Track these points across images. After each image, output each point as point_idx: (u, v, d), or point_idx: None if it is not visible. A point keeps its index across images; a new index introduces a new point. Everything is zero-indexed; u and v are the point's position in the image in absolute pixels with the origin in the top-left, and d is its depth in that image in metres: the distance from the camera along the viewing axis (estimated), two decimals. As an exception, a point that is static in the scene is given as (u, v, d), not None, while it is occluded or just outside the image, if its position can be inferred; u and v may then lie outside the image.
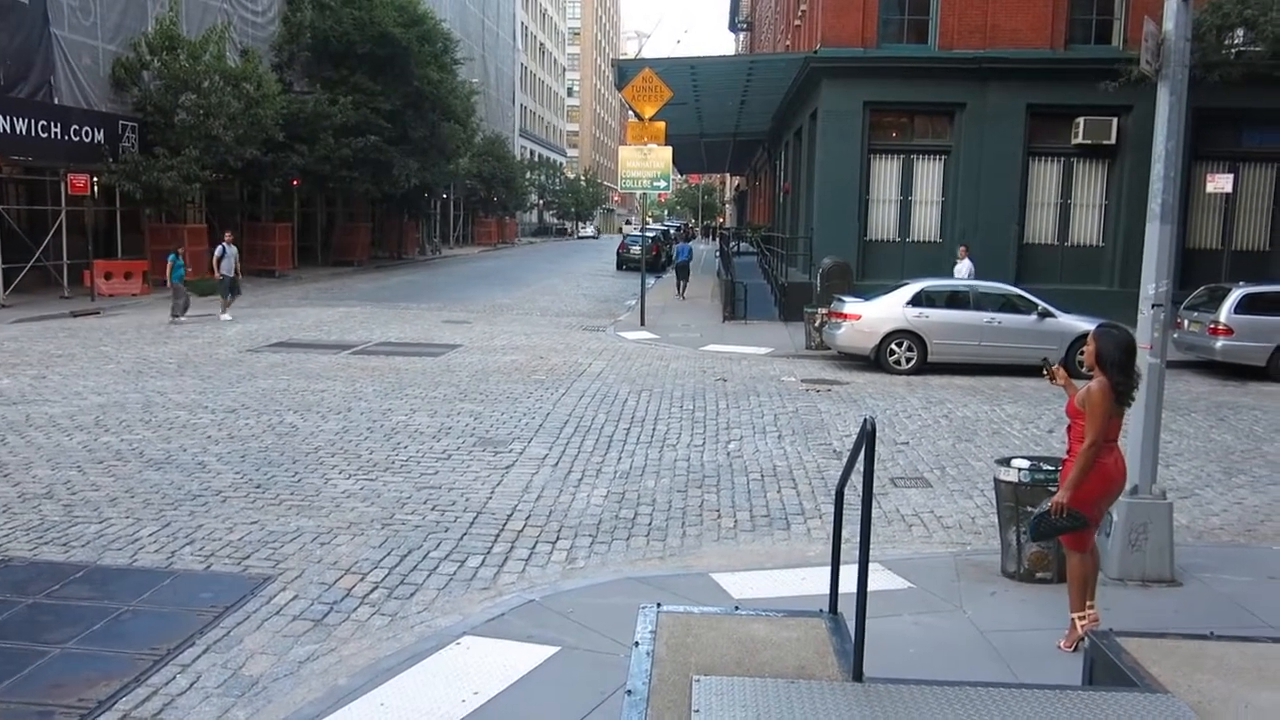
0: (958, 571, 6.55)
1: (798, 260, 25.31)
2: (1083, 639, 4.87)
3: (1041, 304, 15.60)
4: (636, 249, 37.30)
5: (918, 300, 15.67)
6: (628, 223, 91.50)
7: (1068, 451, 5.43)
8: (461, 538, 7.15)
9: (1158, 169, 6.45)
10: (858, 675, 3.73)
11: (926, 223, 22.57)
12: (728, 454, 9.88)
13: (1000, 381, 14.87)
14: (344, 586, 6.18)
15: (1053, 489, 5.71)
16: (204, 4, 29.76)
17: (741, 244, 44.21)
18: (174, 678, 4.94)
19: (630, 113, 22.14)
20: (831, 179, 22.08)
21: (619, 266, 42.50)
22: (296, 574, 6.34)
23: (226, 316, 20.53)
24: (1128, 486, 5.88)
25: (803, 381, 14.49)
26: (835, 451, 10.05)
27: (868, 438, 3.78)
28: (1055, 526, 5.15)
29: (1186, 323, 16.36)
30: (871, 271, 21.60)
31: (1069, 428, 5.40)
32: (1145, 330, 6.47)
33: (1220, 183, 18.94)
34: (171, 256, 20.37)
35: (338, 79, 34.39)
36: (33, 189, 26.37)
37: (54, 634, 5.35)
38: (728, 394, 13.22)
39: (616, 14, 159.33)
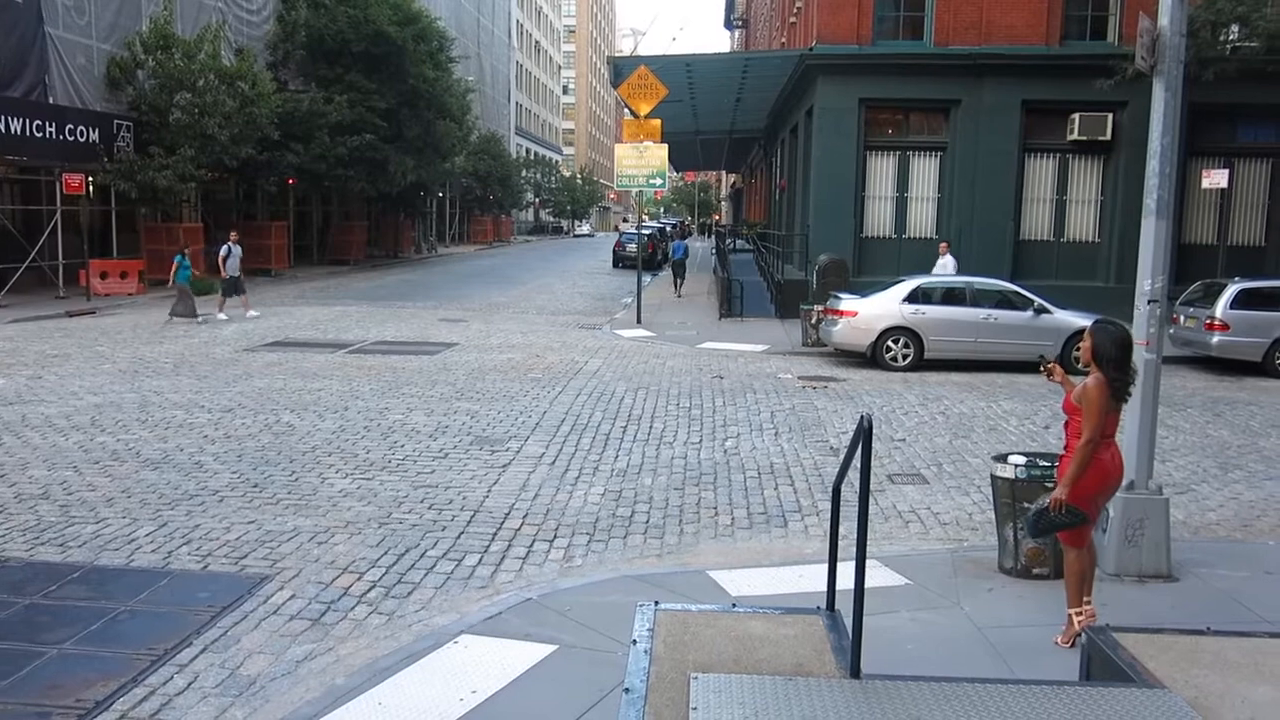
0: (955, 568, 6.56)
1: (794, 257, 25.32)
2: (1080, 634, 4.88)
3: (1038, 300, 15.61)
4: (632, 247, 37.29)
5: (914, 297, 15.67)
6: (624, 220, 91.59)
7: (1065, 447, 5.43)
8: (459, 536, 7.14)
9: (1153, 165, 6.46)
10: (855, 672, 3.73)
11: (922, 219, 22.59)
12: (725, 451, 9.89)
13: (997, 378, 14.88)
14: (341, 586, 6.18)
15: (1049, 485, 5.72)
16: (198, 3, 29.70)
17: (737, 241, 44.22)
18: (171, 678, 4.94)
19: (626, 110, 22.14)
20: (827, 176, 22.09)
21: (615, 264, 42.50)
22: (294, 573, 6.34)
23: (222, 315, 20.51)
24: (1124, 482, 5.89)
25: (799, 378, 14.49)
26: (832, 448, 10.05)
27: (864, 435, 3.78)
28: (1054, 523, 5.16)
29: (1182, 318, 16.39)
30: (868, 268, 21.62)
31: (1066, 424, 5.40)
32: (1141, 326, 6.48)
33: (1216, 178, 18.96)
34: (178, 258, 20.33)
35: (333, 77, 34.34)
36: (28, 189, 26.32)
37: (51, 634, 5.34)
38: (724, 391, 13.22)
39: (612, 11, 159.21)
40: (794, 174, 28.31)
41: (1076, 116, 21.17)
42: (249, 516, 7.44)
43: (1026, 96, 21.44)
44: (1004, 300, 15.81)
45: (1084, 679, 4.22)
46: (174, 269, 20.17)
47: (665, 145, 21.54)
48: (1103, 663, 4.02)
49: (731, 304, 22.70)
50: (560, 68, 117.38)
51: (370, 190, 37.20)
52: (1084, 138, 21.28)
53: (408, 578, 6.36)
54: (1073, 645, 5.15)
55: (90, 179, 24.75)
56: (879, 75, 21.70)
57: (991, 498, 6.75)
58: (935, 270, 18.61)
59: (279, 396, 12.19)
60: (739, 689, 3.56)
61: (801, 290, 20.89)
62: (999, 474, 6.41)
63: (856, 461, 3.92)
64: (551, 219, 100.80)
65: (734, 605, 4.88)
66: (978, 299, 15.78)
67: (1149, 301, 6.46)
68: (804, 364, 16.10)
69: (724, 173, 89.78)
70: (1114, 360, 5.11)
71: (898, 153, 22.56)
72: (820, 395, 13.14)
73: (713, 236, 58.57)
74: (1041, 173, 22.28)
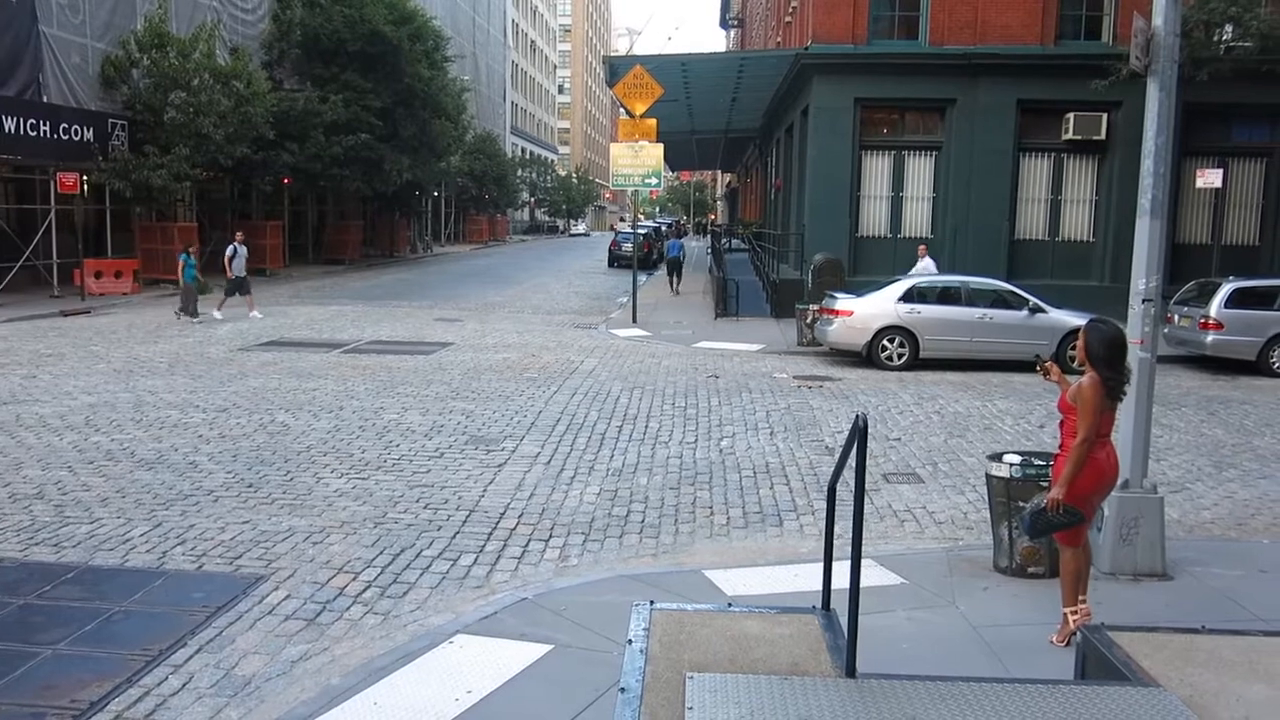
0: (950, 567, 6.56)
1: (789, 257, 25.33)
2: (1075, 633, 4.89)
3: (1033, 299, 15.63)
4: (628, 246, 37.27)
5: (909, 296, 15.69)
6: (621, 220, 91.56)
7: (1060, 446, 5.44)
8: (454, 536, 7.14)
9: (1147, 164, 6.47)
10: (851, 671, 3.73)
11: (918, 219, 22.61)
12: (720, 451, 9.89)
13: (992, 377, 14.90)
14: (337, 586, 6.17)
15: (1044, 484, 5.73)
16: (193, 2, 29.61)
17: (733, 241, 44.21)
18: (166, 678, 4.93)
19: (621, 110, 22.12)
20: (823, 175, 22.11)
21: (611, 264, 42.49)
22: (289, 573, 6.33)
23: (218, 314, 20.48)
24: (1119, 481, 5.90)
25: (795, 378, 14.50)
26: (827, 448, 10.06)
27: (859, 434, 3.78)
28: (1052, 523, 5.16)
29: (1177, 318, 16.42)
30: (863, 267, 21.63)
31: (1061, 423, 5.41)
32: (1136, 325, 6.49)
33: (1210, 178, 19.00)
34: (183, 256, 20.27)
35: (328, 76, 34.27)
36: (22, 188, 26.25)
37: (45, 635, 5.33)
38: (720, 391, 13.22)
39: (607, 11, 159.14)
40: (789, 173, 28.32)
41: (1071, 116, 21.21)
42: (244, 516, 7.43)
43: (1021, 96, 21.48)
44: (999, 300, 15.83)
45: (1079, 678, 4.23)
46: (181, 267, 20.11)
47: (661, 145, 21.53)
48: (1098, 661, 4.03)
49: (727, 303, 22.70)
50: (556, 67, 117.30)
51: (365, 190, 37.14)
52: (1079, 137, 21.33)
53: (403, 578, 6.35)
54: (1068, 644, 5.16)
55: (85, 178, 24.67)
56: (874, 75, 21.72)
57: (987, 497, 6.76)
58: (914, 272, 18.64)
59: (274, 396, 12.17)
60: (734, 688, 3.56)
61: (797, 290, 20.90)
62: (994, 473, 6.42)
63: (851, 461, 3.92)
64: (547, 218, 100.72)
65: (729, 605, 4.88)
66: (973, 298, 15.79)
67: (1143, 301, 6.47)
68: (799, 363, 16.11)
69: (719, 172, 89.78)
70: (1105, 359, 5.12)
71: (893, 152, 22.59)
72: (816, 394, 13.15)
73: (708, 236, 58.61)
74: (1036, 172, 22.32)
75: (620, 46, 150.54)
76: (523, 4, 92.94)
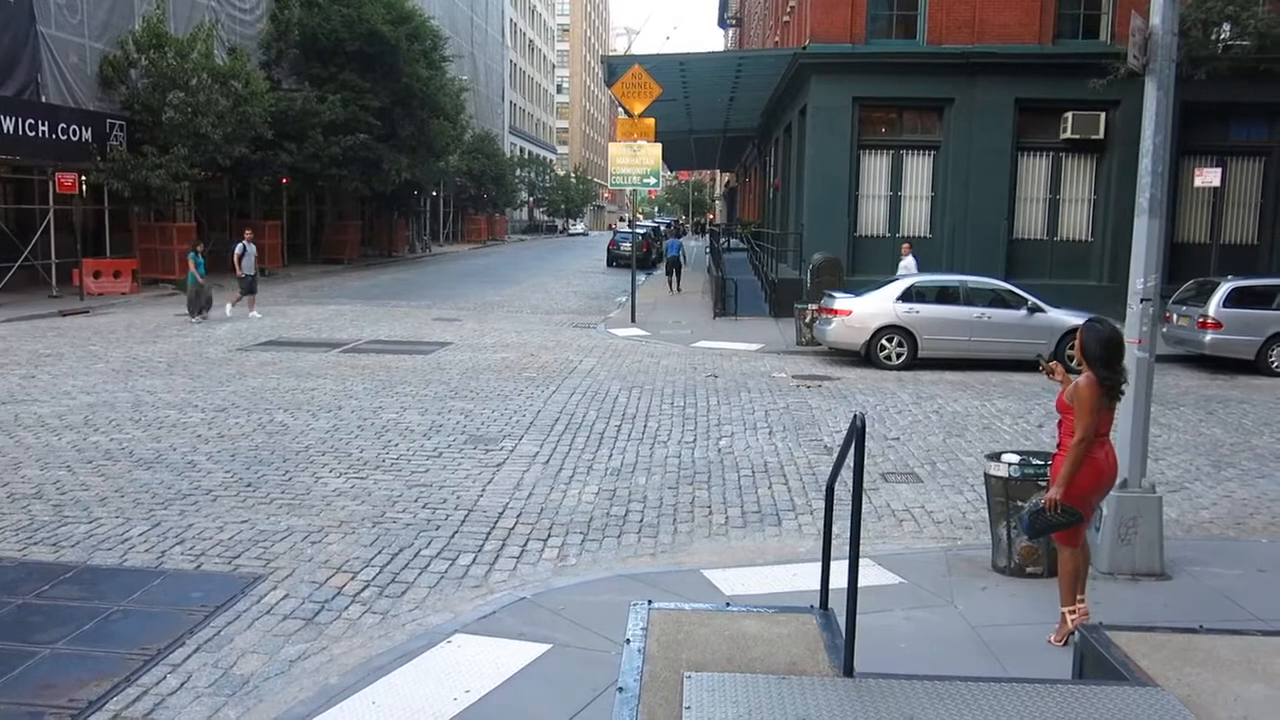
0: (949, 566, 6.57)
1: (788, 256, 25.34)
2: (1073, 633, 4.89)
3: (1031, 299, 15.64)
4: (627, 246, 37.28)
5: (908, 295, 15.70)
6: (621, 220, 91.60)
7: (1058, 446, 5.44)
8: (453, 536, 7.14)
9: (1145, 164, 6.47)
10: (849, 671, 3.73)
11: (916, 218, 22.62)
12: (719, 450, 9.89)
13: (991, 376, 14.91)
14: (335, 585, 6.17)
15: (1043, 484, 5.73)
16: (191, 2, 29.60)
17: (732, 240, 44.22)
18: (165, 677, 4.93)
19: (620, 109, 22.12)
20: (821, 175, 22.11)
21: (609, 263, 42.48)
22: (287, 573, 6.33)
23: (256, 314, 20.56)
24: (1118, 480, 5.90)
25: (793, 377, 14.51)
26: (826, 447, 10.06)
27: (857, 433, 3.79)
28: (1050, 523, 5.16)
29: (1175, 317, 16.42)
30: (862, 267, 21.64)
31: (1060, 422, 5.41)
32: (1134, 324, 6.50)
33: (1208, 177, 19.00)
34: (191, 255, 20.26)
35: (326, 76, 34.26)
36: (20, 188, 26.23)
37: (44, 634, 5.33)
38: (718, 390, 13.23)
39: (606, 10, 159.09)
40: (788, 173, 28.32)
41: (1069, 115, 21.22)
42: (242, 516, 7.43)
43: (1019, 95, 21.48)
44: (997, 299, 15.84)
45: (1077, 677, 4.23)
46: (192, 267, 20.10)
47: (659, 144, 21.54)
48: (1095, 661, 4.03)
49: (726, 303, 22.71)
50: (554, 67, 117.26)
51: (364, 189, 37.13)
52: (1077, 136, 21.34)
53: (401, 577, 6.35)
54: (1066, 644, 5.16)
55: (83, 178, 24.66)
56: (872, 74, 21.73)
57: (985, 496, 6.77)
58: (899, 271, 18.66)
59: (272, 396, 12.17)
60: (732, 688, 3.56)
61: (796, 289, 20.91)
62: (993, 472, 6.42)
63: (850, 460, 3.92)
64: (546, 218, 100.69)
65: (728, 604, 4.88)
66: (971, 298, 15.80)
67: (1141, 300, 6.47)
68: (798, 363, 16.11)
69: (718, 172, 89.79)
70: (1101, 359, 5.12)
71: (891, 152, 22.59)
72: (814, 394, 13.15)
73: (707, 235, 58.61)
74: (1035, 171, 22.33)
75: (618, 46, 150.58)
76: (521, 3, 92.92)
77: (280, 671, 5.06)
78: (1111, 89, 18.74)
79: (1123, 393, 5.27)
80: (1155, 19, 6.35)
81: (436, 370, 14.40)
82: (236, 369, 14.13)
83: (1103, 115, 21.13)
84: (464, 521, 7.46)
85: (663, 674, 3.75)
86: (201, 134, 25.98)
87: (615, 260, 41.66)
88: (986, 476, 6.54)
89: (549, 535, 7.23)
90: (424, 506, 7.80)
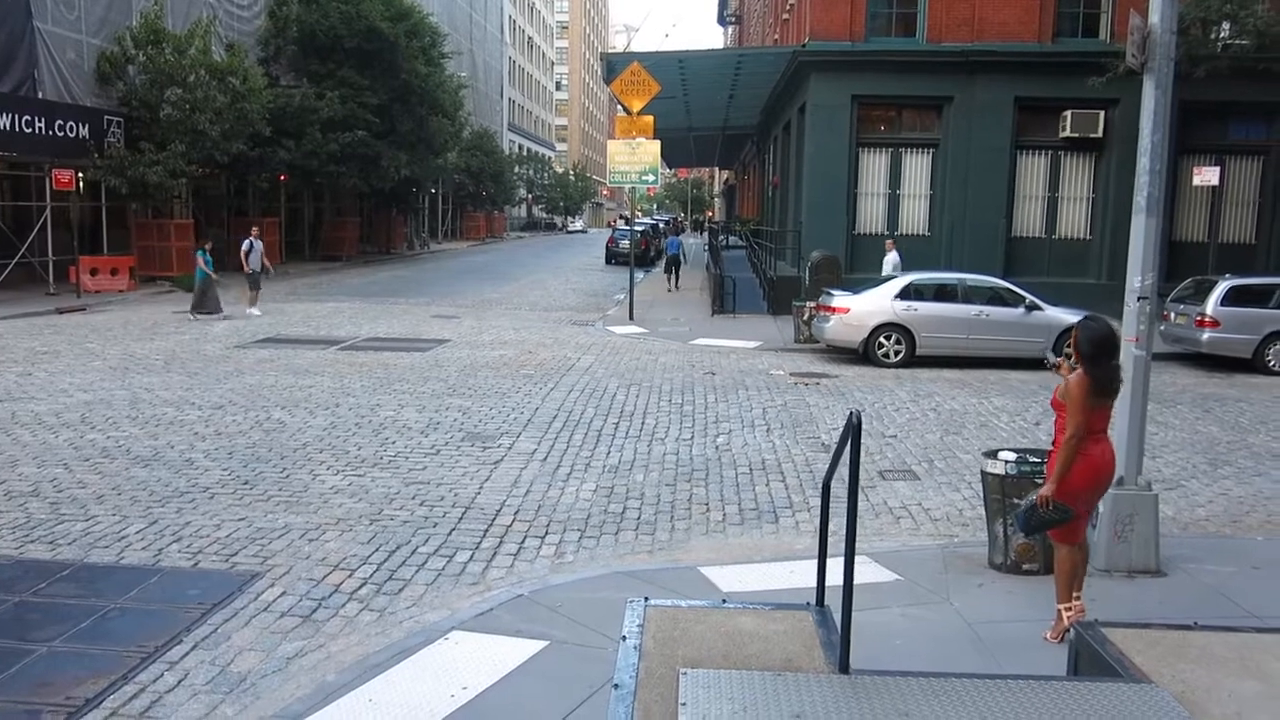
0: (945, 564, 6.58)
1: (786, 254, 25.34)
2: (1069, 630, 4.90)
3: (1029, 297, 15.65)
4: (625, 243, 37.28)
5: (906, 293, 15.70)
6: (621, 217, 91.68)
7: (1053, 443, 5.46)
8: (450, 533, 7.14)
9: (1144, 162, 6.47)
10: (844, 667, 3.74)
11: (915, 216, 22.63)
12: (716, 448, 9.90)
13: (988, 374, 14.92)
14: (332, 583, 6.18)
15: (1039, 481, 5.74)
16: (189, -2, 29.56)
17: (730, 238, 44.22)
18: (162, 675, 4.93)
19: (619, 107, 22.10)
20: (820, 172, 22.11)
21: (608, 261, 42.48)
22: (284, 570, 6.33)
23: (255, 310, 20.55)
24: (1114, 478, 5.90)
25: (791, 375, 14.51)
26: (823, 445, 10.07)
27: (853, 431, 3.79)
28: (1044, 520, 5.18)
29: (1173, 315, 16.44)
30: (860, 265, 21.63)
31: (1056, 420, 5.43)
32: (1131, 323, 6.50)
33: (1207, 176, 19.01)
34: (199, 253, 20.24)
35: (324, 73, 34.23)
36: (17, 184, 26.21)
37: (41, 632, 5.33)
38: (716, 388, 13.23)
39: (605, 7, 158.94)
40: (787, 171, 28.32)
41: (1068, 114, 21.21)
42: (240, 514, 7.43)
43: (1019, 93, 21.48)
44: (995, 297, 15.85)
45: (1072, 674, 4.24)
46: (200, 264, 20.08)
47: (658, 141, 21.53)
48: (1091, 657, 4.04)
49: (724, 300, 22.71)
50: (553, 64, 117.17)
51: (363, 186, 37.12)
52: (1076, 135, 21.34)
53: (399, 574, 6.36)
54: (1061, 640, 5.17)
55: (80, 175, 24.66)
56: (872, 72, 21.72)
57: (982, 494, 6.78)
58: (884, 267, 18.69)
59: (270, 393, 12.16)
60: (728, 684, 3.57)
61: (794, 287, 20.91)
62: (989, 470, 6.43)
63: (846, 457, 3.93)
64: (544, 215, 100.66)
65: (724, 601, 4.90)
66: (969, 296, 15.81)
67: (1139, 298, 6.48)
68: (796, 360, 16.12)
69: (717, 169, 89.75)
70: (1091, 356, 5.14)
71: (890, 150, 22.59)
72: (812, 391, 13.16)
73: (705, 233, 58.59)
74: (1033, 170, 22.33)
75: (618, 43, 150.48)
76: (520, 1, 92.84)
77: (277, 669, 5.06)
78: (1110, 87, 18.74)
79: (1116, 390, 5.27)
80: (1154, 17, 6.35)
81: (434, 367, 14.39)
82: (234, 366, 14.12)
83: (1102, 114, 21.13)
84: (461, 519, 7.47)
85: (659, 670, 3.75)
86: (199, 130, 25.95)
87: (614, 258, 41.65)
88: (983, 474, 6.55)
89: (546, 532, 7.24)
90: (421, 504, 7.80)
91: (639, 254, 32.18)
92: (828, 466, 4.62)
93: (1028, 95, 21.51)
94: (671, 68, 23.59)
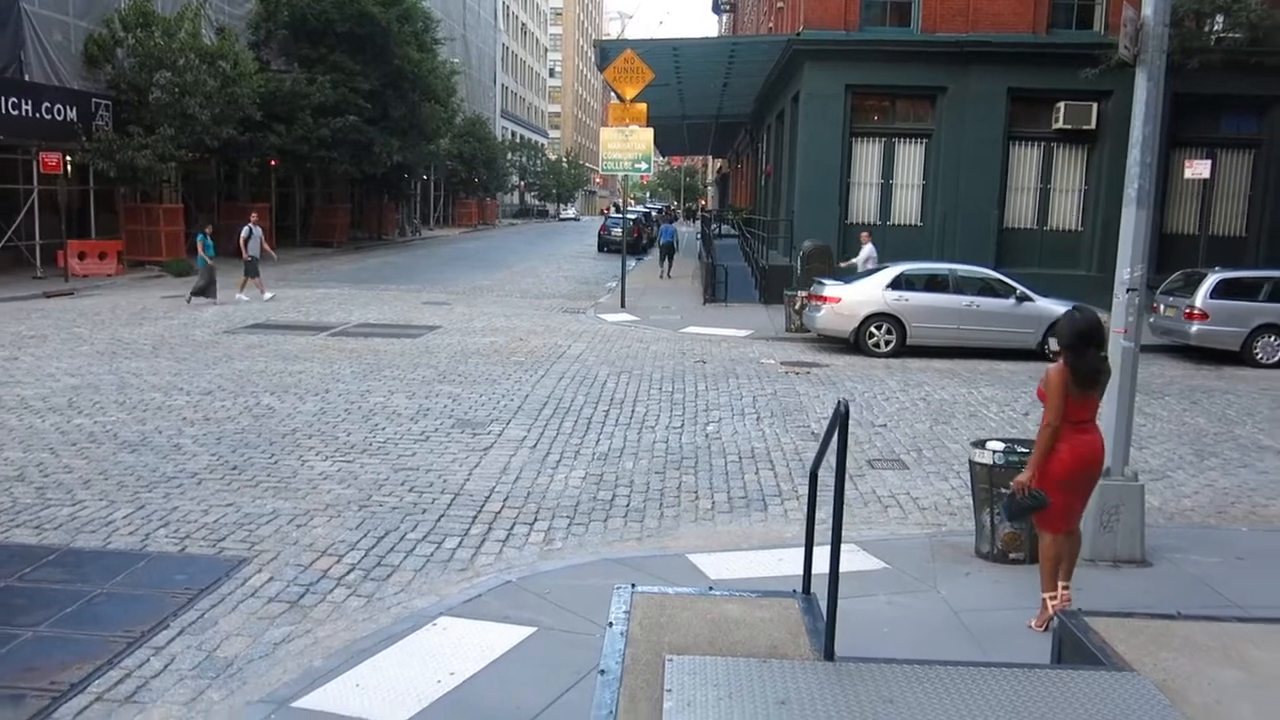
0: (933, 552, 6.60)
1: (778, 243, 25.32)
2: (1053, 618, 4.93)
3: (1020, 288, 15.69)
4: (618, 231, 37.21)
5: (897, 283, 15.72)
6: (614, 206, 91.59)
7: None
8: (439, 519, 7.14)
9: (1135, 154, 6.49)
10: (829, 654, 3.76)
11: (907, 206, 22.63)
12: (706, 436, 9.91)
13: (978, 364, 14.96)
14: (320, 568, 6.17)
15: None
16: (179, -20, 29.32)
17: (723, 226, 44.18)
18: (148, 660, 4.92)
19: (612, 94, 22.04)
20: (813, 162, 22.08)
21: (600, 249, 42.42)
22: (272, 556, 6.32)
23: (269, 295, 20.54)
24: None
25: (782, 364, 14.53)
26: (813, 433, 10.09)
27: (841, 420, 3.80)
28: (1021, 506, 5.24)
29: (1163, 307, 16.50)
30: (852, 254, 21.51)
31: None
32: (1120, 314, 6.52)
33: (1198, 168, 19.06)
34: (200, 236, 20.11)
35: (316, 58, 34.00)
36: (4, 167, 25.95)
37: (26, 617, 5.31)
38: (707, 376, 13.24)
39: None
40: (780, 160, 28.28)
41: (1061, 105, 21.23)
42: (227, 499, 7.41)
43: (1012, 85, 21.47)
44: (986, 288, 15.88)
45: (1055, 662, 4.27)
46: (200, 249, 19.95)
47: (651, 129, 21.46)
48: (1074, 646, 4.07)
49: (716, 289, 22.70)
50: (547, 51, 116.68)
51: (354, 172, 36.94)
52: (1069, 126, 21.34)
53: (387, 560, 6.35)
54: (1046, 629, 5.20)
55: (68, 158, 24.48)
56: (866, 62, 21.68)
57: (970, 483, 6.80)
58: (860, 259, 18.72)
59: (259, 379, 12.13)
60: (713, 671, 3.58)
61: (786, 276, 20.91)
62: (977, 460, 6.46)
63: (835, 446, 3.93)
64: (537, 202, 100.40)
65: (711, 588, 4.91)
66: (960, 286, 15.84)
67: (1128, 290, 6.50)
68: (787, 349, 16.13)
69: (710, 158, 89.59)
70: (1071, 346, 5.20)
71: (883, 140, 22.57)
72: (802, 380, 13.17)
73: (698, 221, 58.56)
74: (1026, 161, 22.35)
75: (611, 30, 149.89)
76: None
77: (264, 654, 5.06)
78: (1104, 79, 18.76)
79: (1098, 381, 5.28)
80: (1147, 9, 6.35)
81: (425, 354, 14.37)
82: (223, 352, 14.07)
83: (1095, 106, 21.14)
84: (450, 505, 7.47)
85: (645, 657, 3.76)
86: (189, 115, 25.77)
87: (606, 245, 41.58)
88: (971, 463, 6.58)
89: (535, 519, 7.24)
90: (410, 490, 7.80)
91: (631, 242, 32.13)
92: (815, 455, 4.63)
93: (1021, 86, 21.51)
94: (665, 55, 23.51)
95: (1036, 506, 5.21)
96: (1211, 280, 15.69)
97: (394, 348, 14.90)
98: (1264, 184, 22.08)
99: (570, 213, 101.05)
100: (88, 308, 18.98)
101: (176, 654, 5.00)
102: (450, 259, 36.23)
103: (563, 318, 19.55)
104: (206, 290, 19.86)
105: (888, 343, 15.54)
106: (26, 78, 23.29)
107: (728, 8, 65.38)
